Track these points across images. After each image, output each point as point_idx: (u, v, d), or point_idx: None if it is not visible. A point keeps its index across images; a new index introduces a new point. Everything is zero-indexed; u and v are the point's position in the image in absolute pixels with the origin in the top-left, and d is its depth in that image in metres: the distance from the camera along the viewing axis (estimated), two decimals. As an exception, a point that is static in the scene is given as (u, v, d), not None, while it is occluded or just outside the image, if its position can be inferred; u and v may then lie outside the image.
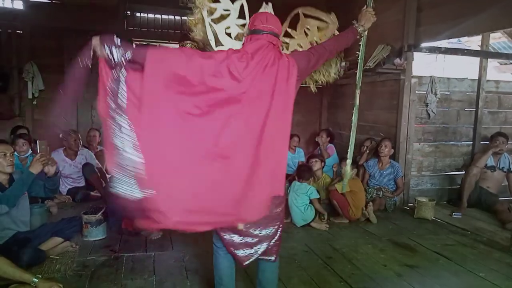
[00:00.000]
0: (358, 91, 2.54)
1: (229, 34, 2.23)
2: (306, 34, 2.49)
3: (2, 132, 5.19)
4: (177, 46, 8.95)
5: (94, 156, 4.91)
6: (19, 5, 5.57)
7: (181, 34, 6.00)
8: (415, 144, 4.83)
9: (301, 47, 2.42)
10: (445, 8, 4.13)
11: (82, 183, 4.67)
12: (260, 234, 1.97)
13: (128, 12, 6.02)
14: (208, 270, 2.81)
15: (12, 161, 2.78)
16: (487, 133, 5.01)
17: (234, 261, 2.08)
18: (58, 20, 5.60)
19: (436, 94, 4.72)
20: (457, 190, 4.89)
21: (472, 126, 5.08)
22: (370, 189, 4.45)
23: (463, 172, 4.81)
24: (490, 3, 3.59)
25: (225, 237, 1.99)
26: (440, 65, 9.87)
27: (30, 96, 5.64)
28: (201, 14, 2.21)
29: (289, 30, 2.49)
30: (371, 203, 4.13)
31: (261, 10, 2.20)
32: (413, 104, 4.65)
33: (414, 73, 4.63)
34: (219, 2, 2.25)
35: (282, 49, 2.28)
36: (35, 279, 2.19)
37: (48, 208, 3.92)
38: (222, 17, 2.25)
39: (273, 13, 2.15)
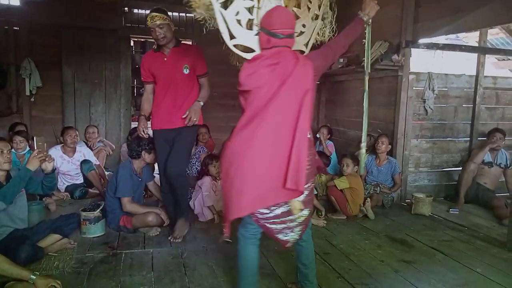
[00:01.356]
0: (367, 77, 2.53)
1: (239, 22, 2.06)
2: (309, 8, 2.32)
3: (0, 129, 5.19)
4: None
5: (92, 153, 4.91)
6: (15, 1, 5.54)
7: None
8: (413, 140, 4.83)
9: (304, 26, 2.31)
10: (444, 3, 4.12)
11: (80, 180, 4.67)
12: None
13: (126, 8, 6.00)
14: (206, 266, 2.84)
15: (10, 158, 2.78)
16: (484, 129, 5.02)
17: (259, 251, 2.17)
18: (56, 16, 5.57)
19: (433, 91, 4.73)
20: (454, 186, 4.91)
21: (470, 122, 5.09)
22: (367, 185, 4.47)
23: (461, 168, 4.83)
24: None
25: (266, 224, 2.06)
26: (438, 61, 9.87)
27: (27, 93, 5.63)
28: None
29: (295, 9, 2.30)
30: (369, 199, 4.14)
31: None
32: (411, 101, 4.65)
33: (412, 70, 4.62)
34: None
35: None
36: (33, 276, 2.19)
37: (46, 205, 3.93)
38: (229, 0, 2.04)
39: None
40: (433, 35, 4.41)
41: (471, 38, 7.95)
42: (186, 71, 3.16)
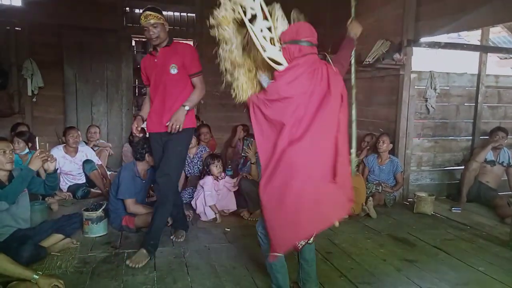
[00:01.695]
0: (354, 91, 2.60)
1: (264, 38, 2.17)
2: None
3: (2, 129, 5.19)
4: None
5: (94, 153, 4.91)
6: (17, 2, 5.55)
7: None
8: (415, 139, 4.83)
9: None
10: (445, 2, 4.12)
11: (82, 180, 4.68)
12: None
13: (127, 8, 6.00)
14: (209, 265, 2.84)
15: (12, 158, 2.79)
16: (486, 128, 5.01)
17: None
18: (57, 16, 5.59)
19: (435, 89, 4.72)
20: (457, 185, 4.91)
21: (472, 121, 5.09)
22: (369, 184, 4.46)
23: (463, 167, 4.82)
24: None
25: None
26: (439, 59, 9.84)
27: (29, 93, 5.64)
28: (239, 13, 2.11)
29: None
30: (371, 198, 4.14)
31: (275, 11, 2.22)
32: (413, 99, 4.65)
33: (413, 68, 4.62)
34: None
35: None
36: (35, 276, 2.19)
37: (48, 205, 3.93)
38: (254, 18, 2.15)
39: (281, 11, 2.22)
40: (434, 34, 4.40)
41: (473, 36, 7.92)
42: (173, 71, 2.94)
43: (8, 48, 5.55)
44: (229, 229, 3.61)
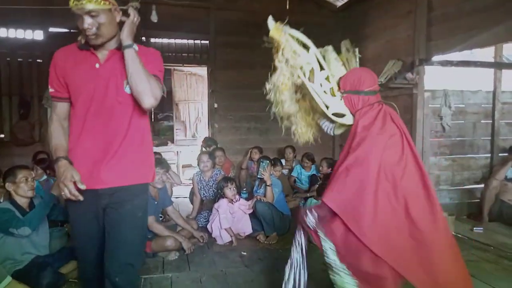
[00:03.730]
0: None
1: (325, 92, 2.12)
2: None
3: (23, 157, 5.34)
4: (192, 68, 9.10)
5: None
6: (39, 36, 5.80)
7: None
8: (431, 158, 4.76)
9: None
10: (457, 22, 4.13)
11: (100, 206, 4.70)
12: None
13: (144, 38, 6.21)
14: (225, 290, 2.82)
15: (33, 186, 2.87)
16: (505, 144, 4.93)
17: None
18: (76, 48, 5.79)
19: (450, 107, 4.69)
20: (477, 204, 4.79)
21: (489, 138, 5.01)
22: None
23: (483, 185, 4.71)
24: (504, 15, 3.55)
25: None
26: (453, 77, 9.78)
27: (49, 122, 5.80)
28: (298, 77, 2.05)
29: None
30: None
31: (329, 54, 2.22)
32: (427, 118, 4.61)
33: (426, 87, 4.61)
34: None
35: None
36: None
37: (67, 231, 3.98)
38: (311, 73, 2.08)
39: (335, 53, 2.24)
40: (446, 53, 4.41)
41: (487, 53, 7.87)
42: (128, 90, 1.78)
43: (31, 80, 5.77)
44: (245, 253, 3.59)
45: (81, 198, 1.68)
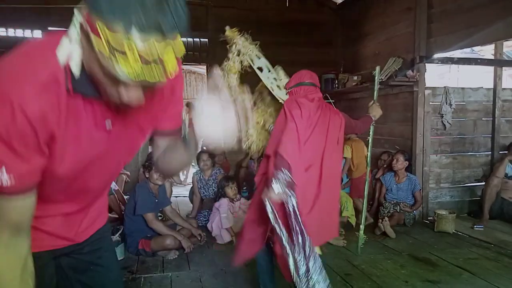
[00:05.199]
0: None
1: (271, 83, 2.83)
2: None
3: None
4: (191, 67, 9.08)
5: (111, 178, 4.95)
6: (38, 35, 5.77)
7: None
8: (432, 156, 4.75)
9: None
10: (457, 19, 4.12)
11: (99, 205, 4.70)
12: None
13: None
14: (225, 290, 2.81)
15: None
16: (506, 142, 4.91)
17: None
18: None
19: (451, 105, 4.67)
20: (478, 202, 4.78)
21: (490, 135, 4.99)
22: (387, 204, 4.38)
23: (483, 183, 4.70)
24: (505, 12, 3.53)
25: None
26: (454, 75, 9.77)
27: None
28: (247, 62, 2.86)
29: None
30: (386, 218, 4.05)
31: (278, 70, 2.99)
32: (428, 116, 4.60)
33: (427, 84, 4.59)
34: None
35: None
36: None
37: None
38: (260, 70, 2.91)
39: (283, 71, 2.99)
40: (446, 50, 4.39)
41: (487, 50, 7.86)
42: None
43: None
44: (245, 252, 3.58)
45: None
